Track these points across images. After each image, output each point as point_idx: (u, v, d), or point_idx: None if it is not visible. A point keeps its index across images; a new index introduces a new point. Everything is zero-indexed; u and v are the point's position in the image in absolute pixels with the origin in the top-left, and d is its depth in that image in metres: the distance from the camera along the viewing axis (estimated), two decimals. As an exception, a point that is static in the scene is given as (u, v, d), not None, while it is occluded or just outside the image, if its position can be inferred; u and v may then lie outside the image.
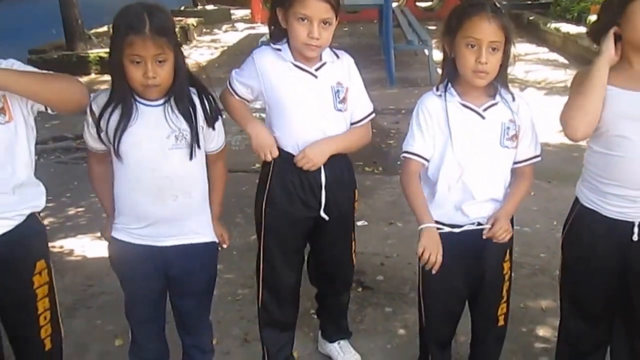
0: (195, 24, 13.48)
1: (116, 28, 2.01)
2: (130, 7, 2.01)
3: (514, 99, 2.16)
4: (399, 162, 5.21)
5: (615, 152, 2.05)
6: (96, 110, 2.10)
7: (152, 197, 2.14)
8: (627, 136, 2.01)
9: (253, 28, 14.30)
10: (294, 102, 2.29)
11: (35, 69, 2.02)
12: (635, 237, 2.10)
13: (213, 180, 2.33)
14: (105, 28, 12.09)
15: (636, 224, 2.10)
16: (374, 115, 2.46)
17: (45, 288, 2.12)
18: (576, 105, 2.05)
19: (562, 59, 9.60)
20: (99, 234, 3.89)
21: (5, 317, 2.12)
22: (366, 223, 4.16)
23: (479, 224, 2.19)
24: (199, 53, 11.06)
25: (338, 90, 2.30)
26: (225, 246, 2.44)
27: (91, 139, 2.17)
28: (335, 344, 2.77)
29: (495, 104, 2.15)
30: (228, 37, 13.30)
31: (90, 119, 2.12)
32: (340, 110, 2.32)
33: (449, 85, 2.15)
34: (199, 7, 16.51)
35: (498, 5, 2.05)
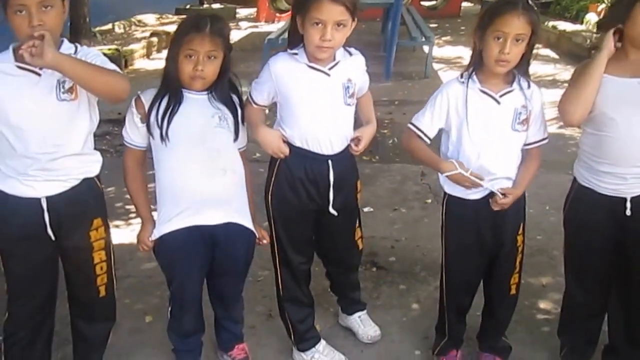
0: (199, 22, 13.55)
1: (180, 28, 2.26)
2: (197, 14, 2.29)
3: (529, 86, 2.33)
4: (391, 154, 5.44)
5: (606, 132, 2.23)
6: (145, 101, 2.29)
7: (201, 171, 2.31)
8: (616, 118, 2.19)
9: (256, 27, 14.36)
10: (305, 100, 2.37)
11: (104, 60, 2.22)
12: (628, 212, 2.28)
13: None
14: (109, 26, 12.21)
15: (628, 199, 2.27)
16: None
17: (102, 243, 2.36)
18: (574, 94, 2.23)
19: (553, 55, 9.76)
20: (116, 222, 4.08)
21: (66, 260, 2.37)
22: (372, 209, 4.32)
23: (492, 193, 2.35)
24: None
25: (348, 87, 2.39)
26: (265, 242, 2.59)
27: (134, 134, 2.35)
28: (356, 317, 2.90)
29: (512, 90, 2.31)
30: (231, 35, 13.38)
31: (135, 111, 2.30)
32: (349, 104, 2.42)
33: (473, 73, 2.31)
34: (205, 6, 16.54)
35: (530, 2, 2.19)
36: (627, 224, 2.31)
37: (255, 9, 16.03)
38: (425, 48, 8.95)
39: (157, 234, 2.42)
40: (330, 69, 2.36)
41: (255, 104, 2.46)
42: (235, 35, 13.21)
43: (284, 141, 2.40)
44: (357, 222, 2.72)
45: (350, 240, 2.71)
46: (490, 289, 2.62)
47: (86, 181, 2.28)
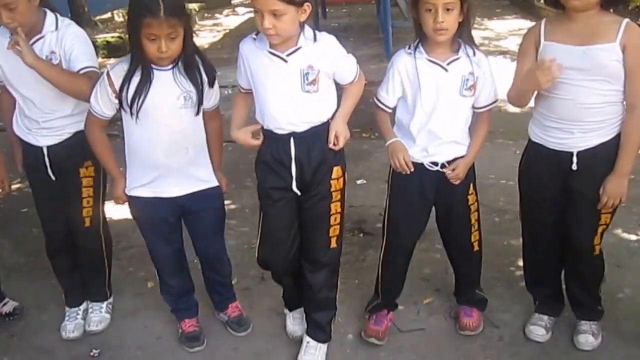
0: (197, 9, 13.75)
1: (133, 10, 2.28)
2: None
3: (474, 53, 2.46)
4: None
5: (555, 94, 2.41)
6: (114, 79, 2.39)
7: (166, 151, 2.49)
8: (565, 82, 2.35)
9: (253, 12, 14.50)
10: (265, 85, 2.39)
11: (82, 43, 2.63)
12: (574, 167, 2.44)
13: (213, 135, 2.66)
14: (109, 14, 12.40)
15: (575, 153, 2.43)
16: (360, 72, 2.49)
17: (90, 180, 2.81)
18: (516, 95, 2.49)
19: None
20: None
21: (64, 198, 2.85)
22: (365, 181, 4.54)
23: (443, 165, 2.54)
24: (201, 36, 11.30)
25: (307, 73, 2.34)
26: (224, 190, 2.75)
27: (105, 106, 2.45)
28: (305, 339, 2.76)
29: (458, 58, 2.45)
30: (230, 21, 13.55)
31: (109, 88, 2.41)
32: (308, 91, 2.35)
33: (419, 45, 2.48)
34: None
35: None
36: (572, 178, 2.47)
37: (252, -5, 16.09)
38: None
39: (127, 191, 2.64)
40: (288, 55, 2.33)
41: (242, 88, 2.55)
42: (233, 22, 13.40)
43: (257, 133, 2.49)
44: (332, 218, 2.56)
45: (323, 234, 2.57)
46: (452, 251, 2.81)
47: (79, 133, 2.67)
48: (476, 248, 2.77)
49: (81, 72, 2.55)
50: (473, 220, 2.70)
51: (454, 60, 2.46)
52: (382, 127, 2.63)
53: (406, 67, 2.50)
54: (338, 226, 2.58)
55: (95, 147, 2.60)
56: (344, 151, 2.53)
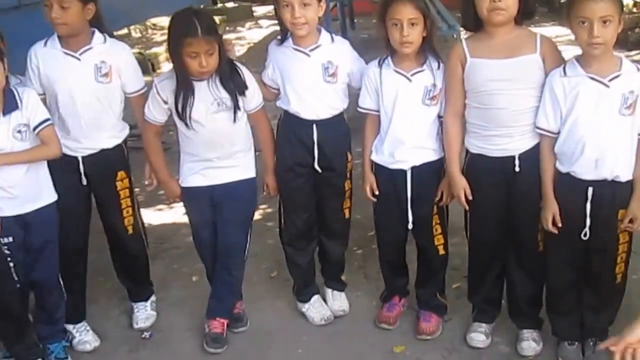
0: (218, 22, 14.47)
1: (174, 32, 2.98)
2: (182, 15, 2.95)
3: (439, 66, 2.98)
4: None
5: (491, 105, 2.81)
6: (161, 90, 3.09)
7: (207, 147, 3.17)
8: (497, 92, 2.77)
9: (277, 25, 15.13)
10: (291, 76, 3.15)
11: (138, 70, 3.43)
12: (517, 169, 2.85)
13: (261, 137, 3.32)
14: (125, 30, 13.16)
15: (517, 156, 2.83)
16: None
17: (127, 191, 3.39)
18: (446, 136, 3.01)
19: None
20: (158, 207, 4.97)
21: (102, 210, 3.43)
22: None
23: (402, 170, 3.06)
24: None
25: (327, 67, 3.11)
26: (264, 194, 3.42)
27: (158, 113, 3.15)
28: (329, 290, 3.61)
29: (422, 70, 2.98)
30: (253, 34, 14.17)
31: (159, 97, 3.10)
32: (328, 82, 3.13)
33: (388, 57, 3.03)
34: (219, 5, 17.35)
35: None
36: (516, 181, 2.86)
37: (273, 7, 16.72)
38: (455, 36, 9.67)
39: (180, 183, 3.31)
40: (311, 50, 3.13)
41: (268, 86, 3.26)
42: (256, 35, 13.98)
43: None
44: (347, 193, 3.37)
45: (336, 205, 3.37)
46: (420, 250, 3.33)
47: (117, 147, 3.32)
48: (442, 252, 3.24)
49: (139, 92, 3.32)
50: (434, 223, 3.17)
51: (419, 72, 2.98)
52: (364, 142, 3.21)
53: (375, 78, 3.08)
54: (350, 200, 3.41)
55: (148, 151, 3.29)
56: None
